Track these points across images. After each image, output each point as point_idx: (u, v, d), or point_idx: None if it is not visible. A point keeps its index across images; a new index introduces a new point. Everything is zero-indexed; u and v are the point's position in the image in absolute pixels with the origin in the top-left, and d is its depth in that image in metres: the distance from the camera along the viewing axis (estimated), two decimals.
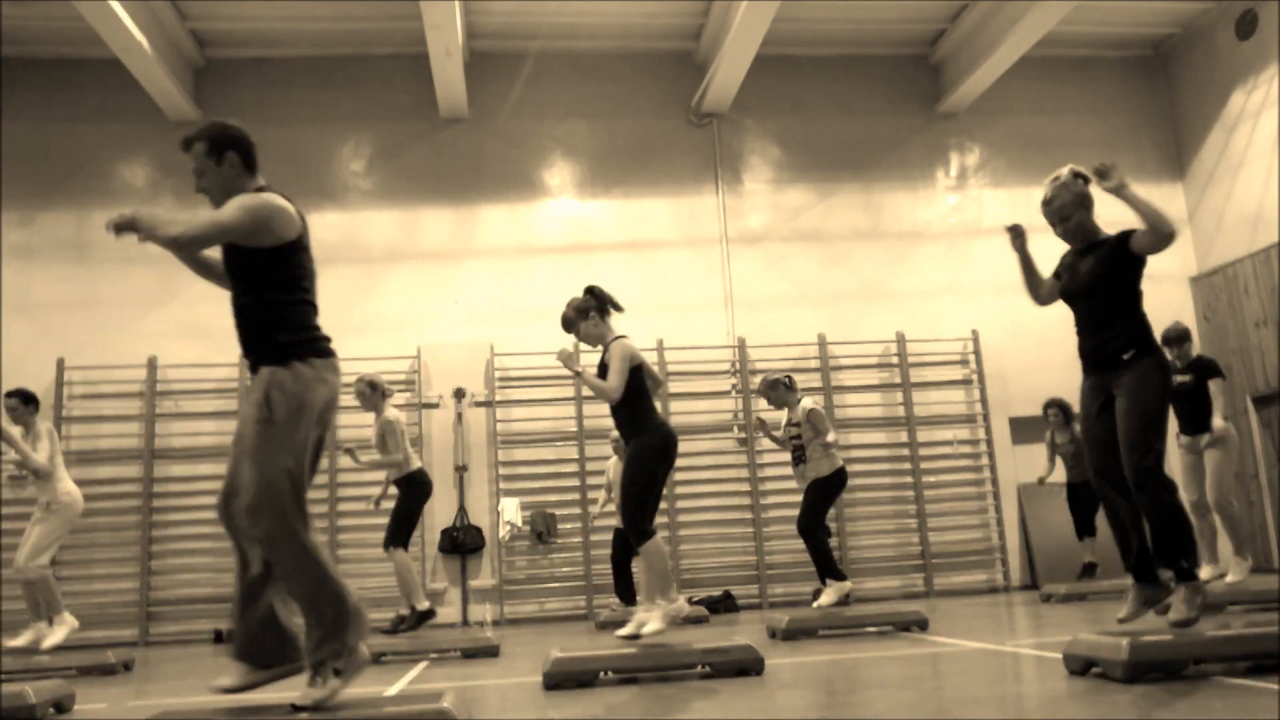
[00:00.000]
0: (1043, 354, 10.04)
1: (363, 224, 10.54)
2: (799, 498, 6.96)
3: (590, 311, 5.26)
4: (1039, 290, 4.45)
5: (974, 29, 10.80)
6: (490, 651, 6.34)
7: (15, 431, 6.67)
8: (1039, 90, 11.71)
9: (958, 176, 11.57)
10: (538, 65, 11.07)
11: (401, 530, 6.69)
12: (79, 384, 9.96)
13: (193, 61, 10.63)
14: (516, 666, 5.69)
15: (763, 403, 10.28)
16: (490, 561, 10.00)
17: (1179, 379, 6.92)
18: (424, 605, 6.71)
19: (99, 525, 9.48)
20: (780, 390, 6.95)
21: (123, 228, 3.12)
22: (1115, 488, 4.09)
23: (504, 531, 9.79)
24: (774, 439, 7.09)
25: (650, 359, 10.18)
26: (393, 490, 6.94)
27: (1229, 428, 7.04)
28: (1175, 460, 7.35)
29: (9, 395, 6.79)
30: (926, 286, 11.12)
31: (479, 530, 9.96)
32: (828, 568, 6.65)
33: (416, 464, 6.78)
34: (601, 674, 4.66)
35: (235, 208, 3.26)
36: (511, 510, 9.86)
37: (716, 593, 9.74)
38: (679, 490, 10.25)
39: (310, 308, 3.39)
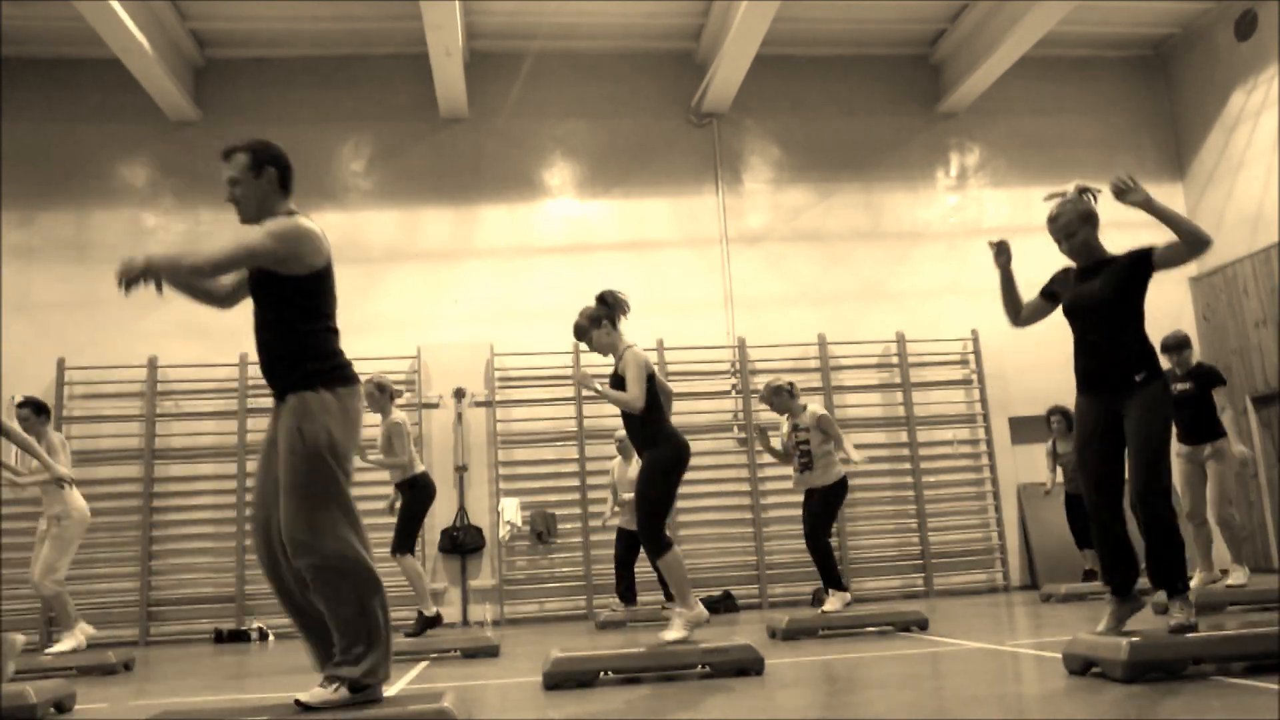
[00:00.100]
0: (1043, 354, 10.03)
1: (363, 224, 10.55)
2: (799, 498, 6.97)
3: (603, 320, 5.25)
4: (1018, 309, 4.39)
5: (974, 29, 10.80)
6: (490, 651, 6.34)
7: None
8: (1039, 90, 11.72)
9: (958, 176, 11.58)
10: (538, 65, 11.07)
11: (408, 535, 6.69)
12: (79, 384, 9.96)
13: (193, 61, 10.64)
14: (516, 666, 5.69)
15: (761, 405, 10.30)
16: (490, 561, 10.00)
17: (1179, 387, 6.87)
18: (431, 611, 6.73)
19: (99, 525, 9.45)
20: (783, 397, 6.93)
21: (136, 278, 3.07)
22: (1110, 509, 4.09)
23: (504, 531, 9.79)
24: (773, 452, 7.04)
25: (650, 359, 10.20)
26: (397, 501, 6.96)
27: (1233, 443, 6.98)
28: (1174, 469, 7.30)
29: (20, 405, 6.81)
30: (926, 286, 11.12)
31: (479, 530, 9.96)
32: (831, 578, 6.66)
33: (420, 468, 6.78)
34: (601, 674, 4.66)
35: (265, 233, 3.25)
36: (511, 510, 9.86)
37: (716, 593, 9.74)
38: (679, 490, 10.23)
39: (336, 335, 3.42)
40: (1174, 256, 4.12)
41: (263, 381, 3.57)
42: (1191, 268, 11.51)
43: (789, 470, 7.14)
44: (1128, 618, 4.13)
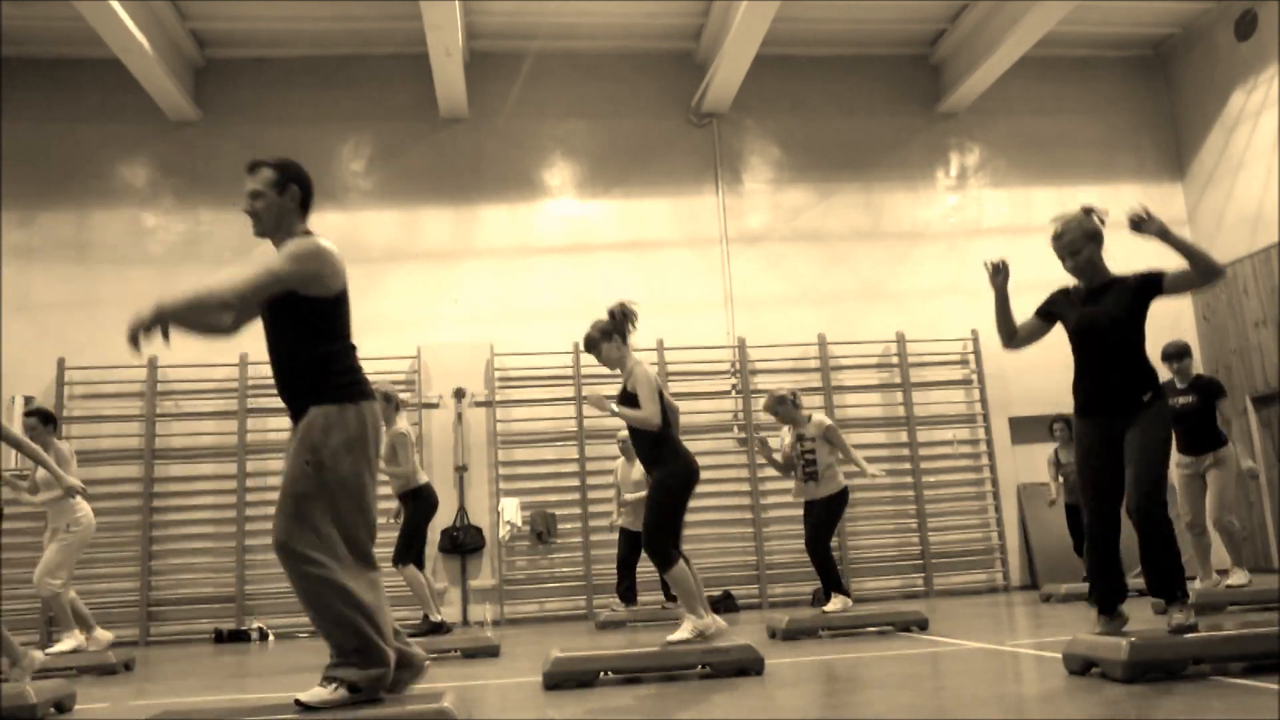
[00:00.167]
0: (1043, 354, 9.92)
1: (363, 224, 10.54)
2: (794, 489, 6.96)
3: (613, 334, 5.25)
4: (1012, 331, 4.35)
5: (974, 29, 10.80)
6: (490, 651, 6.34)
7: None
8: (1039, 90, 11.72)
9: (958, 176, 11.57)
10: (538, 65, 11.07)
11: (410, 546, 6.68)
12: (79, 384, 9.96)
13: (193, 61, 10.64)
14: (516, 666, 5.69)
15: (761, 405, 10.28)
16: (490, 561, 10.00)
17: (1181, 399, 6.84)
18: (437, 618, 6.73)
19: (99, 525, 9.41)
20: (787, 406, 6.92)
21: (150, 327, 3.09)
22: (1108, 533, 4.10)
23: (504, 531, 9.79)
24: (774, 464, 7.02)
25: (650, 359, 10.22)
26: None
27: (1243, 459, 6.98)
28: (1175, 480, 7.28)
29: (28, 414, 6.84)
30: (926, 286, 11.12)
31: (479, 530, 9.96)
32: (833, 584, 6.66)
33: (423, 479, 6.77)
34: (601, 674, 4.67)
35: (287, 257, 3.26)
36: (511, 510, 9.86)
37: (716, 593, 9.74)
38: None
39: (354, 352, 3.43)
40: (1184, 284, 4.12)
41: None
42: None
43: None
44: (1114, 634, 4.14)
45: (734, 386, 10.67)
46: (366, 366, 3.55)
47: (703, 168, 11.17)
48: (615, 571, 8.63)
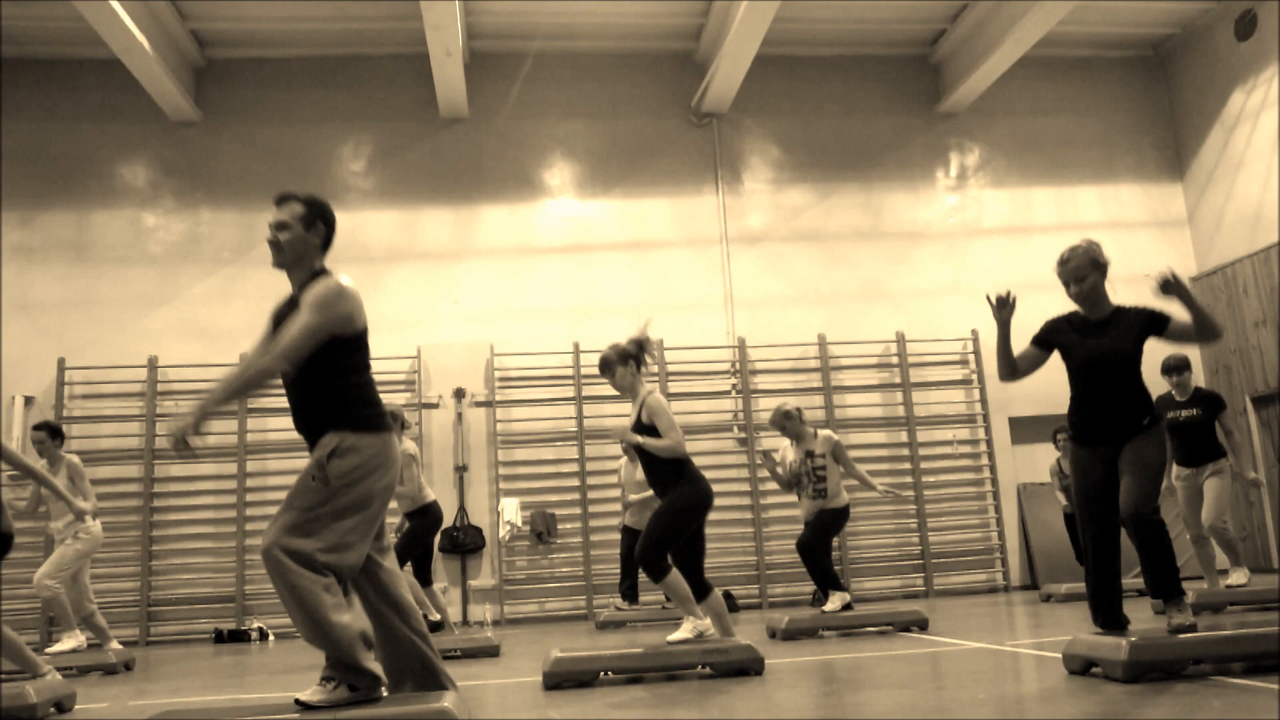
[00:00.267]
0: None
1: (363, 224, 10.54)
2: (799, 504, 6.95)
3: (630, 359, 5.25)
4: (1014, 366, 4.32)
5: (974, 29, 10.80)
6: (490, 651, 6.35)
7: (40, 465, 6.80)
8: (1039, 90, 11.72)
9: (958, 176, 11.57)
10: (538, 65, 11.07)
11: (409, 556, 6.70)
12: (79, 384, 9.96)
13: (193, 61, 10.64)
14: (516, 666, 5.70)
15: (761, 405, 10.29)
16: (490, 561, 10.00)
17: (1184, 412, 6.83)
18: (436, 616, 6.74)
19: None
20: (794, 422, 6.92)
21: (196, 427, 3.14)
22: (1109, 560, 4.12)
23: (504, 531, 9.79)
24: (778, 478, 7.02)
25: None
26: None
27: (1247, 469, 6.97)
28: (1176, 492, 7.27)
29: (36, 428, 6.89)
30: (926, 286, 11.12)
31: (479, 530, 9.96)
32: (827, 582, 6.66)
33: (430, 496, 6.76)
34: (601, 674, 4.67)
35: (319, 308, 3.28)
36: (511, 510, 9.86)
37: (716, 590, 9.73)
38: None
39: (374, 386, 3.45)
40: (1184, 336, 4.19)
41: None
42: (1192, 268, 11.51)
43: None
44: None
45: (734, 386, 10.67)
46: None
47: (703, 168, 11.17)
48: (617, 570, 8.62)
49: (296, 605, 3.14)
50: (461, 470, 10.11)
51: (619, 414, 9.86)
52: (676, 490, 5.07)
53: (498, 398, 10.32)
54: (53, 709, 4.54)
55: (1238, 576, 6.96)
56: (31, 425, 7.07)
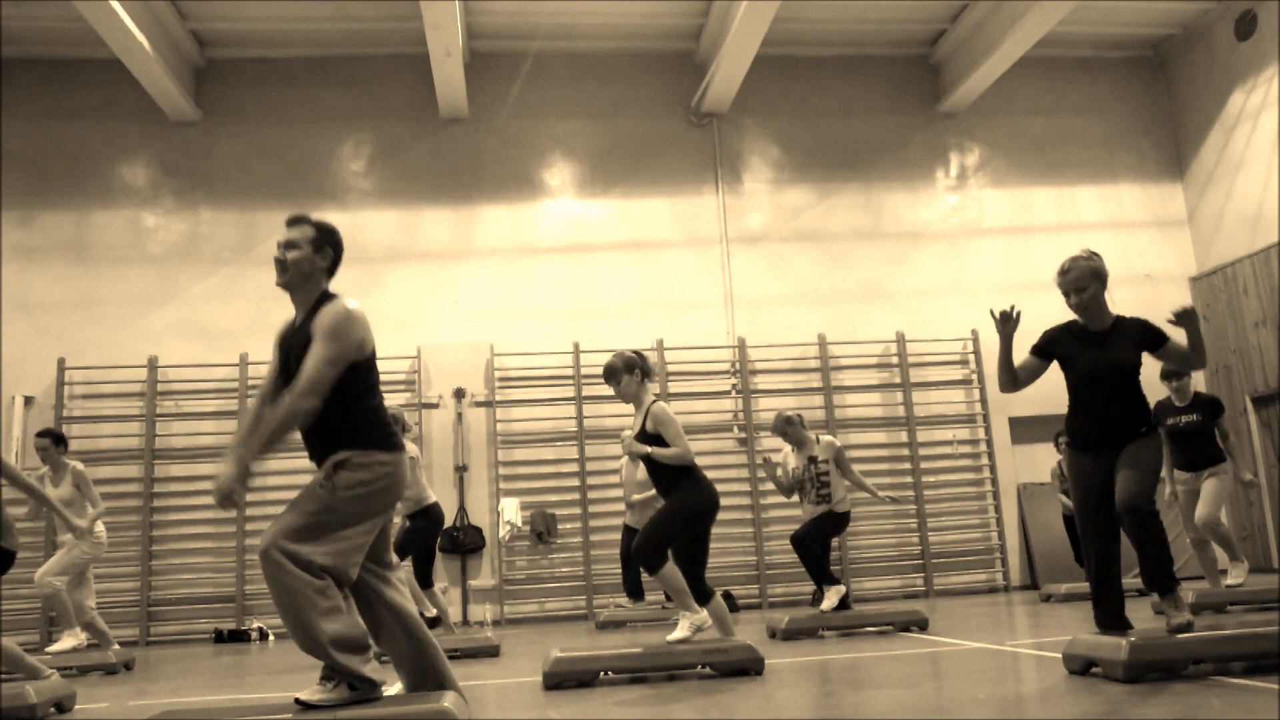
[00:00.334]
0: None
1: (363, 224, 10.54)
2: (802, 510, 6.95)
3: (636, 369, 5.26)
4: (1015, 378, 4.33)
5: (974, 29, 10.80)
6: (490, 651, 6.35)
7: (43, 471, 6.83)
8: (1039, 90, 11.72)
9: (958, 176, 11.57)
10: (538, 65, 11.07)
11: (423, 568, 6.70)
12: (79, 384, 9.96)
13: (193, 61, 10.64)
14: (516, 666, 5.70)
15: (761, 405, 10.29)
16: (490, 561, 10.00)
17: (1184, 418, 6.84)
18: (432, 613, 6.75)
19: None
20: (796, 427, 6.92)
21: (241, 481, 3.19)
22: (1111, 565, 4.15)
23: (504, 531, 9.79)
24: (779, 485, 7.03)
25: (650, 359, 10.20)
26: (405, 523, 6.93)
27: (1243, 471, 6.98)
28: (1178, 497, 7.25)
29: (39, 435, 6.90)
30: (926, 286, 11.12)
31: (479, 530, 9.96)
32: (821, 575, 6.67)
33: (431, 498, 6.76)
34: (601, 674, 4.67)
35: (332, 338, 3.29)
36: (511, 510, 9.86)
37: (716, 593, 9.73)
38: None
39: (385, 410, 3.47)
40: (1175, 358, 4.27)
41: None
42: (1192, 268, 11.52)
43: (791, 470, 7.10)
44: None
45: (734, 386, 10.67)
46: None
47: (703, 168, 11.17)
48: (617, 571, 8.61)
49: (287, 608, 3.14)
50: (461, 470, 10.11)
51: (619, 414, 9.87)
52: (683, 491, 5.06)
53: (498, 398, 10.32)
54: (53, 709, 4.54)
55: (1236, 574, 6.96)
56: (35, 432, 7.07)
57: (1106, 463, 4.15)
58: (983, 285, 11.12)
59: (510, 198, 10.87)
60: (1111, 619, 4.14)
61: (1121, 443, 4.12)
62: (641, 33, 11.06)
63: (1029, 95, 11.68)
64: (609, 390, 5.35)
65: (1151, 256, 11.47)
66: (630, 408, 5.43)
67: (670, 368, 10.51)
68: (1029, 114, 11.71)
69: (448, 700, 3.21)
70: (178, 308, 10.24)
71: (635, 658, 4.77)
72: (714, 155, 11.19)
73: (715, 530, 5.32)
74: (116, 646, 6.99)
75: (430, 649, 3.41)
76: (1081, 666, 3.96)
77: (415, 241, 10.66)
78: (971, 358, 10.97)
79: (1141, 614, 5.97)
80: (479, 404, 10.33)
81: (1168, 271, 11.47)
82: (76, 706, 4.77)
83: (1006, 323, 4.26)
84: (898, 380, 10.83)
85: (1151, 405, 4.33)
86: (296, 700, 3.16)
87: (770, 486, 10.30)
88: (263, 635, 9.29)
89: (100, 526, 6.89)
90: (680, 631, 4.97)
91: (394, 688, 3.53)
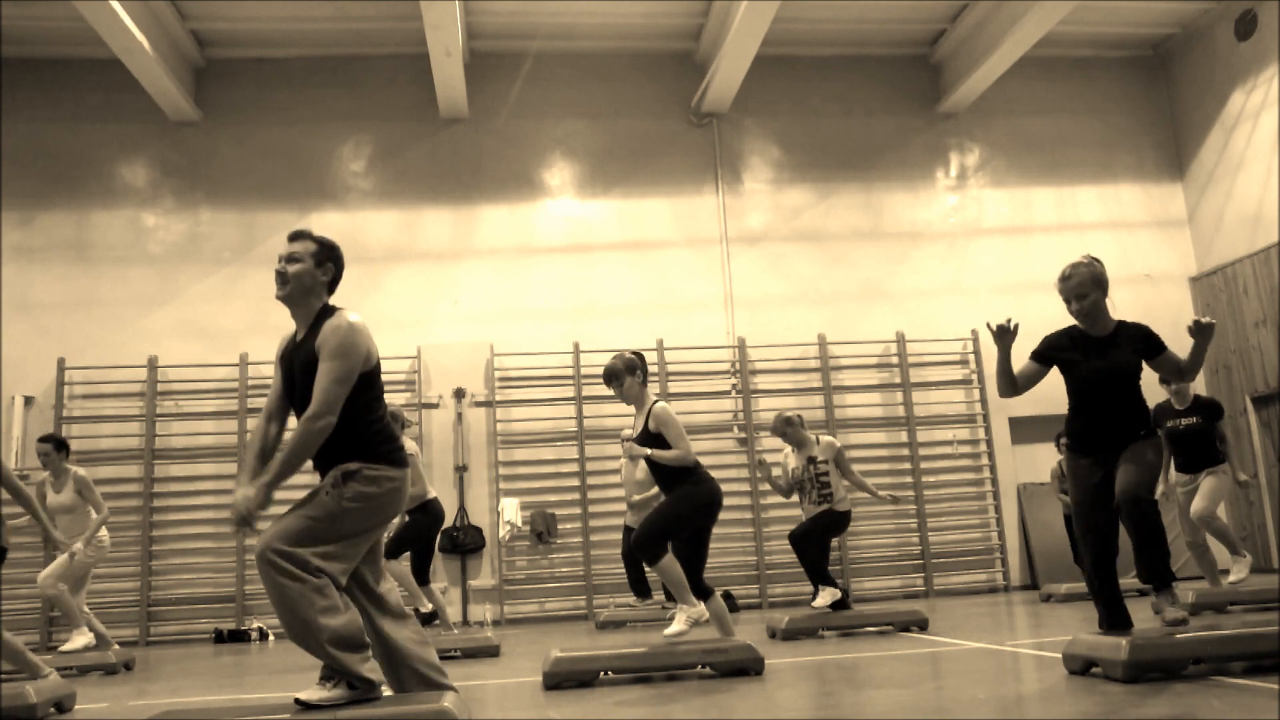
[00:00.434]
0: None
1: (363, 224, 10.54)
2: (803, 510, 6.95)
3: (637, 370, 5.26)
4: (1014, 385, 4.33)
5: (974, 29, 10.80)
6: (490, 651, 6.35)
7: (44, 476, 6.85)
8: (1039, 90, 11.72)
9: (958, 176, 11.57)
10: (538, 65, 11.07)
11: (421, 565, 6.70)
12: (79, 384, 9.96)
13: (193, 61, 10.64)
14: (516, 666, 5.70)
15: (761, 405, 10.29)
16: (490, 561, 10.00)
17: (1184, 421, 6.85)
18: (427, 608, 6.75)
19: None
20: (796, 428, 6.93)
21: (261, 505, 3.18)
22: (1110, 565, 4.15)
23: (504, 531, 9.79)
24: (775, 485, 7.04)
25: (650, 359, 10.21)
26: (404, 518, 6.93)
27: (1237, 471, 6.99)
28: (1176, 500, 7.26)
29: (42, 440, 6.91)
30: (926, 286, 11.12)
31: (479, 530, 9.96)
32: (817, 575, 6.67)
33: (432, 494, 6.76)
34: (601, 674, 4.67)
35: (340, 355, 3.29)
36: (511, 510, 9.86)
37: (717, 593, 9.73)
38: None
39: (389, 422, 3.47)
40: (1169, 368, 4.31)
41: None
42: (1192, 268, 11.52)
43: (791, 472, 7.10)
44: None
45: (734, 386, 10.66)
46: None
47: (703, 168, 11.17)
48: (617, 570, 8.62)
49: (285, 608, 3.14)
50: (461, 470, 10.11)
51: (619, 414, 9.87)
52: (686, 487, 5.06)
53: (498, 398, 10.32)
54: (53, 709, 4.54)
55: (1239, 569, 6.95)
56: (37, 437, 7.07)
57: (1106, 464, 4.16)
58: (983, 285, 11.12)
59: (510, 198, 10.87)
60: (1113, 617, 4.14)
61: (1121, 446, 4.13)
62: (641, 33, 11.06)
63: (1029, 95, 11.68)
64: (609, 390, 5.35)
65: (1151, 256, 11.47)
66: (630, 407, 5.42)
67: (670, 368, 10.51)
68: (1029, 114, 11.71)
69: (448, 700, 3.21)
70: (178, 308, 10.24)
71: (635, 658, 4.77)
72: (714, 155, 11.19)
73: (715, 530, 5.33)
74: (116, 646, 7.00)
75: (423, 649, 3.42)
76: (1081, 666, 3.96)
77: (415, 241, 10.66)
78: (971, 358, 10.97)
79: (1142, 614, 5.97)
80: (479, 404, 10.33)
81: (1168, 271, 11.47)
82: (76, 706, 4.77)
83: (1004, 336, 4.25)
84: (898, 380, 10.83)
85: (1151, 408, 4.34)
86: (296, 700, 3.16)
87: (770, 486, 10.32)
88: (263, 635, 9.29)
89: (104, 531, 6.89)
90: (677, 625, 4.98)
91: None
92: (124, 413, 9.95)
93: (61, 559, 6.73)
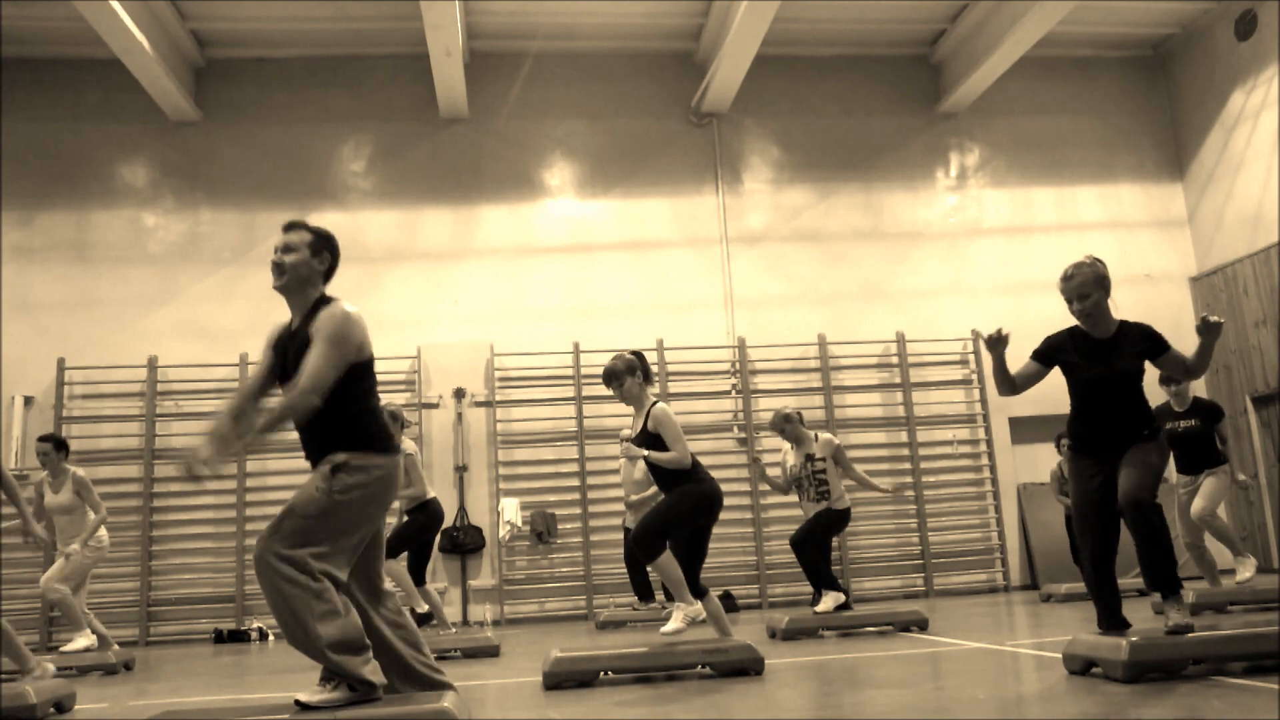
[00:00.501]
0: None
1: (363, 224, 10.54)
2: (802, 508, 6.95)
3: (637, 371, 5.26)
4: (1013, 385, 4.33)
5: (974, 29, 10.80)
6: (490, 651, 6.35)
7: (44, 476, 6.86)
8: (1039, 90, 11.72)
9: (958, 176, 11.57)
10: (538, 65, 11.07)
11: (419, 565, 6.70)
12: (79, 384, 9.96)
13: (193, 61, 10.64)
14: (516, 666, 5.70)
15: (761, 405, 10.28)
16: (490, 561, 10.00)
17: (1183, 423, 6.84)
18: (423, 609, 6.75)
19: None
20: (795, 424, 6.92)
21: (213, 460, 3.16)
22: (1108, 553, 4.14)
23: (504, 531, 9.79)
24: (772, 483, 7.03)
25: (650, 359, 10.21)
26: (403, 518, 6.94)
27: (1236, 470, 6.98)
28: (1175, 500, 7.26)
29: (41, 439, 6.91)
30: (926, 286, 11.12)
31: (479, 530, 9.96)
32: (821, 579, 6.66)
33: (430, 494, 6.76)
34: (601, 674, 4.67)
35: (334, 341, 3.30)
36: (511, 510, 9.86)
37: (717, 593, 9.71)
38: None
39: (381, 411, 3.47)
40: (1174, 367, 4.28)
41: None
42: (1192, 268, 11.52)
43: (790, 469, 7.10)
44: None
45: (734, 386, 10.66)
46: None
47: (703, 168, 11.17)
48: (617, 570, 8.62)
49: (283, 612, 3.14)
50: (461, 470, 10.11)
51: (619, 414, 9.86)
52: (686, 486, 5.06)
53: (498, 398, 10.32)
54: (53, 709, 4.54)
55: (1244, 570, 6.94)
56: (37, 437, 7.07)
57: (1108, 465, 4.15)
58: (983, 285, 11.12)
59: (510, 198, 10.87)
60: (1111, 618, 4.14)
61: (1123, 447, 4.12)
62: (641, 33, 11.06)
63: (1029, 95, 11.68)
64: (609, 390, 5.34)
65: (1151, 256, 11.47)
66: (629, 407, 5.42)
67: (670, 368, 10.51)
68: (1029, 114, 11.71)
69: (448, 700, 3.21)
70: (178, 308, 10.24)
71: (635, 658, 4.77)
72: (714, 155, 11.19)
73: (716, 530, 5.33)
74: (116, 646, 7.00)
75: (418, 650, 3.42)
76: (1081, 666, 3.96)
77: (415, 241, 10.66)
78: (971, 358, 10.97)
79: (1141, 614, 5.97)
80: (479, 404, 10.33)
81: (1168, 271, 11.47)
82: (76, 706, 4.77)
83: (995, 345, 4.24)
84: (898, 380, 10.83)
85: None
86: (296, 701, 3.16)
87: (767, 485, 10.31)
88: (262, 635, 9.29)
89: (103, 531, 6.89)
90: (674, 623, 4.98)
91: None
92: (124, 413, 9.95)
93: (60, 561, 6.75)
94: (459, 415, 10.25)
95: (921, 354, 10.88)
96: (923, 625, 6.50)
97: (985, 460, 10.79)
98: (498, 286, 10.60)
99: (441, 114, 10.80)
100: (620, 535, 8.97)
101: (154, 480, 9.81)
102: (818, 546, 6.71)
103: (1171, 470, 7.31)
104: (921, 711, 3.38)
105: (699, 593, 5.09)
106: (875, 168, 11.38)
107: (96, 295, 10.18)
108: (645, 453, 5.08)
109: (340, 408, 3.32)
